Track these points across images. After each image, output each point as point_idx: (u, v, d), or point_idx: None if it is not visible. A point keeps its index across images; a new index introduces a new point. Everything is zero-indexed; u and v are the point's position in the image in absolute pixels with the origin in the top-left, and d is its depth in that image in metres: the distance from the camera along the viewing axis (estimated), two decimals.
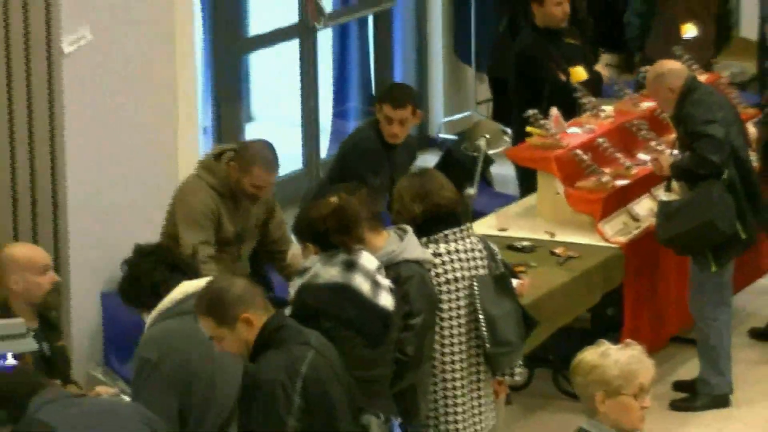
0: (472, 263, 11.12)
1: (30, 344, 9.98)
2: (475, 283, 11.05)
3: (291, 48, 18.45)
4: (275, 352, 8.90)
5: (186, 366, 9.31)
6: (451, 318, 10.99)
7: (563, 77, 16.56)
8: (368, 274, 10.15)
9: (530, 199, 15.35)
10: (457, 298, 11.03)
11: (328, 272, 10.03)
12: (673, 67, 14.58)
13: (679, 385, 14.41)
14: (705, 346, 14.43)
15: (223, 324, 8.86)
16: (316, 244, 10.23)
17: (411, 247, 10.78)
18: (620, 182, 14.80)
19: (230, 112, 17.63)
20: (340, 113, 19.50)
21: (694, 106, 14.11)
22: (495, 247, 11.43)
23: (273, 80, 19.46)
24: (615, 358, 7.82)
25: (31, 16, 12.98)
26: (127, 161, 13.76)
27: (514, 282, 11.66)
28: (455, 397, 11.22)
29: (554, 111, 15.21)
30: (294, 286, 10.12)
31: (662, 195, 14.56)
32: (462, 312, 11.09)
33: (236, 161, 12.67)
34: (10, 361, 9.85)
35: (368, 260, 10.23)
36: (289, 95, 18.81)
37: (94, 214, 13.32)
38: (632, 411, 7.89)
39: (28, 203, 13.24)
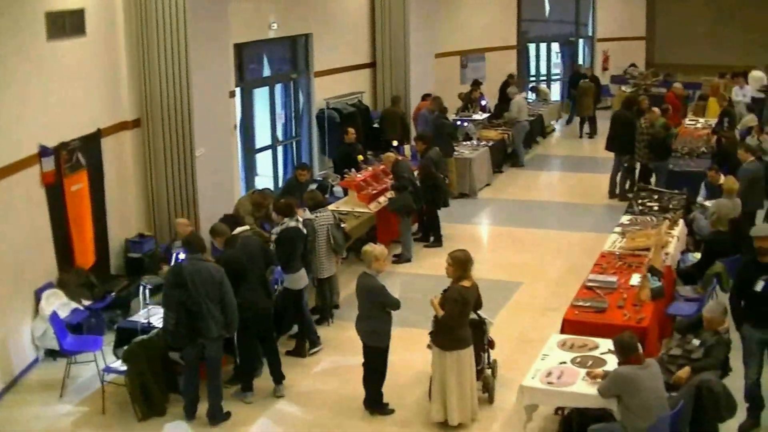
0: (327, 219, 14.01)
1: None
2: (329, 227, 13.89)
3: (268, 154, 20.41)
4: (224, 251, 12.05)
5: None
6: (321, 237, 13.75)
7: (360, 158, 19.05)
8: (300, 222, 13.06)
9: (347, 198, 17.49)
10: (322, 231, 13.76)
11: (290, 223, 12.90)
12: (390, 155, 17.61)
13: (395, 256, 16.88)
14: (403, 240, 17.02)
15: (214, 238, 12.33)
16: (283, 215, 13.11)
17: (308, 215, 13.67)
18: (374, 192, 17.59)
19: (250, 173, 19.37)
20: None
21: (399, 167, 16.92)
22: (336, 214, 14.93)
23: (263, 163, 20.25)
24: (379, 248, 11.22)
25: (182, 141, 15.49)
26: (219, 186, 16.31)
27: (343, 225, 14.93)
28: (322, 263, 13.84)
29: (353, 171, 18.04)
30: (278, 228, 12.99)
31: (390, 195, 17.23)
32: (324, 236, 13.76)
33: (258, 194, 15.89)
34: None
35: (299, 219, 13.10)
36: (266, 169, 20.36)
37: (207, 204, 15.75)
38: (383, 265, 11.32)
39: (181, 199, 15.77)
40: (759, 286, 10.34)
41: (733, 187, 15.35)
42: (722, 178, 16.28)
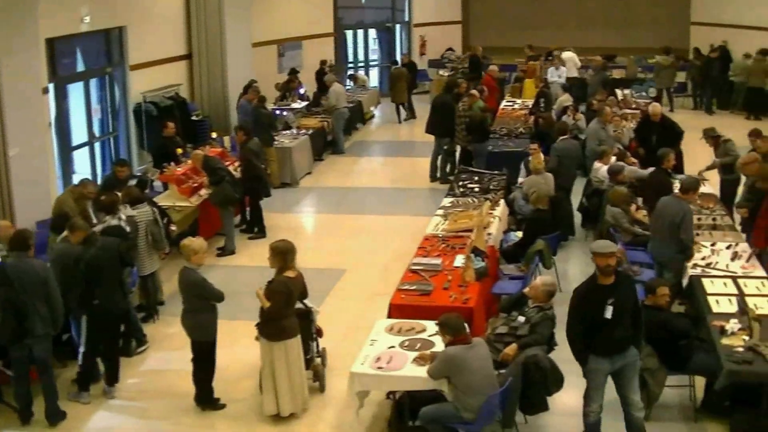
0: (147, 215, 13.68)
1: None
2: (147, 223, 13.55)
3: (85, 151, 19.87)
4: (83, 247, 11.66)
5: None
6: (141, 234, 13.41)
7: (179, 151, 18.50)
8: (122, 220, 12.95)
9: (168, 192, 17.18)
10: (142, 228, 13.47)
11: (112, 221, 12.82)
12: (198, 153, 17.33)
13: (219, 249, 16.69)
14: (227, 232, 16.79)
15: (71, 233, 11.77)
16: (106, 212, 13.17)
17: (129, 212, 13.37)
18: (195, 185, 17.16)
19: (67, 172, 18.68)
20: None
21: (211, 162, 16.67)
22: (155, 208, 14.19)
23: (80, 161, 19.51)
24: (197, 241, 11.11)
25: None
26: (35, 186, 15.77)
27: (173, 227, 14.47)
28: (143, 260, 13.58)
29: (172, 164, 17.59)
30: (100, 226, 12.81)
31: (205, 191, 16.90)
32: (143, 230, 13.45)
33: (79, 185, 14.92)
34: None
35: (121, 217, 13.00)
36: (84, 167, 19.81)
37: (23, 205, 15.33)
38: (202, 258, 11.13)
39: None
40: (608, 313, 9.41)
41: (538, 166, 15.96)
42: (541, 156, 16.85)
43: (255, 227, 18.00)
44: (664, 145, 16.40)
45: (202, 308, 11.01)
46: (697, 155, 18.57)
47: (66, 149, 19.03)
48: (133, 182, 16.07)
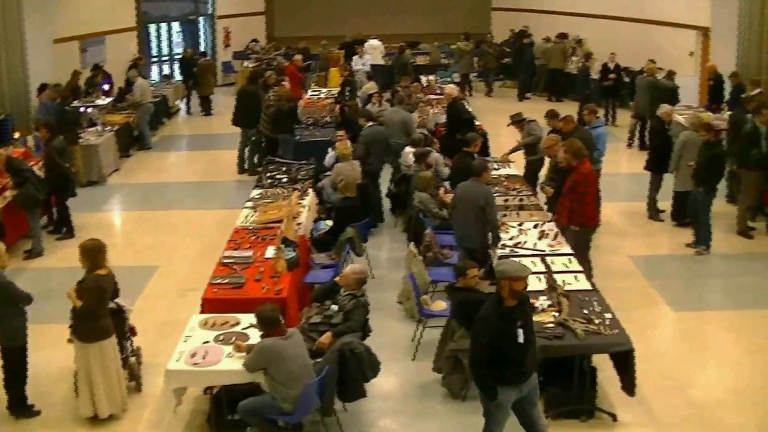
0: None
1: None
2: None
3: None
4: None
5: None
6: None
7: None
8: None
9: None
10: None
11: None
12: (2, 153, 16.88)
13: (27, 251, 16.08)
14: (33, 234, 16.14)
15: None
16: None
17: None
18: None
19: None
20: None
21: (14, 163, 16.15)
22: None
23: None
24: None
25: None
26: None
27: None
28: None
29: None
30: None
31: (9, 193, 16.11)
32: None
33: None
34: None
35: None
36: None
37: None
38: (3, 261, 10.49)
39: None
40: (521, 337, 8.55)
41: (344, 152, 16.25)
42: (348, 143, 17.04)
43: (63, 227, 17.61)
44: (454, 129, 17.09)
45: (8, 312, 10.55)
46: (505, 138, 19.21)
47: None
48: None
